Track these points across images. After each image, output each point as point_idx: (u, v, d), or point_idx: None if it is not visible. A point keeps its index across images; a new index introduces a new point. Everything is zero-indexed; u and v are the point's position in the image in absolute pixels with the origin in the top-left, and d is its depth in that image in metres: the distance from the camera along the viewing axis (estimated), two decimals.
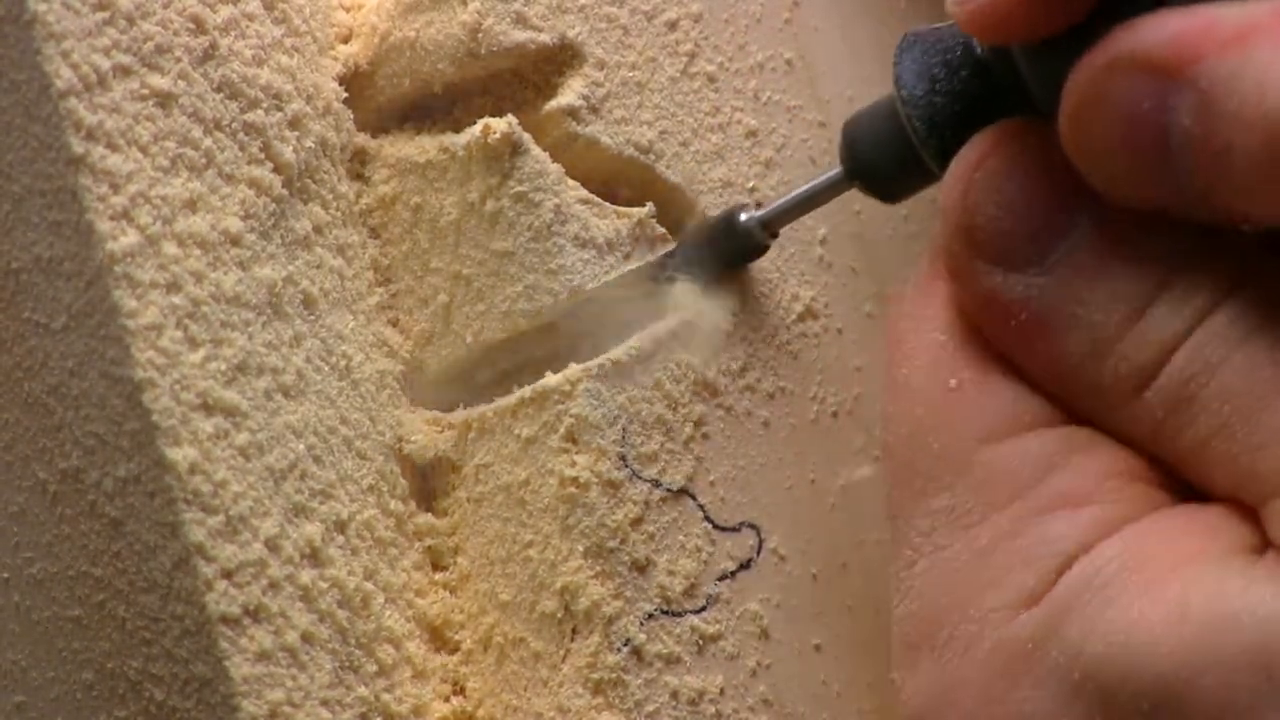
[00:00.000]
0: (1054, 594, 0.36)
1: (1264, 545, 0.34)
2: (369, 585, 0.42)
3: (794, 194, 0.45)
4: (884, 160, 0.43)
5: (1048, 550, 0.36)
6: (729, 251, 0.46)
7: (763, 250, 0.46)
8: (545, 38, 0.45)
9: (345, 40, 0.47)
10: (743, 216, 0.46)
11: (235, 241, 0.42)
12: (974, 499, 0.38)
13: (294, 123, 0.44)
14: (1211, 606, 0.33)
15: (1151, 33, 0.34)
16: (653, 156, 0.47)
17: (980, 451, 0.38)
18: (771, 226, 0.46)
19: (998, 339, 0.39)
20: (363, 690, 0.41)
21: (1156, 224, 0.36)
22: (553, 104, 0.45)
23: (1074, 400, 0.38)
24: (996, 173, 0.38)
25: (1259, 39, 0.32)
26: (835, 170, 0.44)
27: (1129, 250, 0.36)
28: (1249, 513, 0.35)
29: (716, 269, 0.46)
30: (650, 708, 0.43)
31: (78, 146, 0.39)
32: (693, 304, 0.46)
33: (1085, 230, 0.37)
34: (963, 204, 0.39)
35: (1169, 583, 0.34)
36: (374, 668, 0.42)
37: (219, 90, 0.43)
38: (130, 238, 0.39)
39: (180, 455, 0.39)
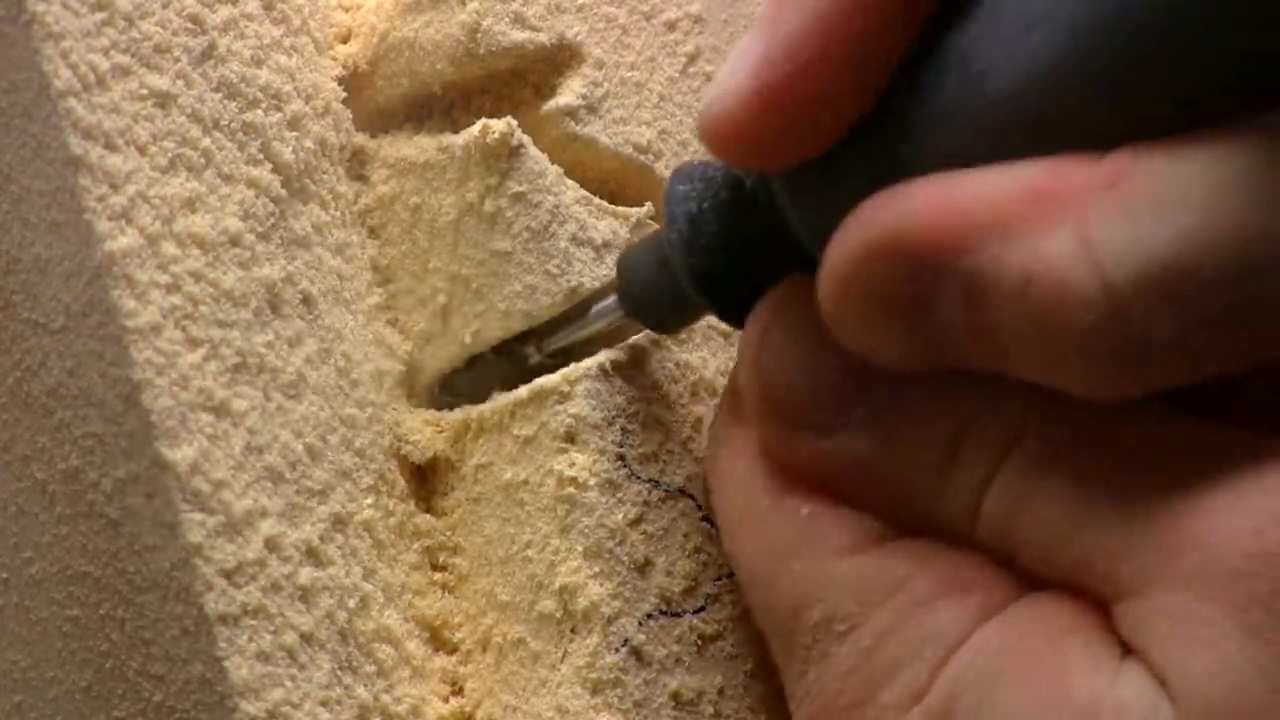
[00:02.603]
0: (939, 685, 0.36)
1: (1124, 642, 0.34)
2: (368, 585, 0.42)
3: (574, 330, 0.44)
4: (656, 298, 0.41)
5: (932, 641, 0.36)
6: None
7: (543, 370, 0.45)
8: (544, 38, 0.45)
9: (344, 40, 0.47)
10: (529, 350, 0.45)
11: (234, 241, 0.42)
12: (850, 604, 0.37)
13: (293, 123, 0.44)
14: (1087, 703, 0.33)
15: (905, 214, 0.33)
16: (652, 156, 0.47)
17: (846, 562, 0.38)
18: (550, 348, 0.45)
19: (826, 487, 0.38)
20: (362, 690, 0.41)
21: (947, 377, 0.36)
22: (552, 104, 0.46)
23: (916, 529, 0.38)
24: (784, 341, 0.38)
25: (1018, 225, 0.32)
26: (611, 302, 0.43)
27: (927, 405, 0.36)
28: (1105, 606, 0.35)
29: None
30: (649, 708, 0.43)
31: (77, 147, 0.39)
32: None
33: (882, 390, 0.37)
34: (758, 374, 0.39)
35: (1046, 674, 0.34)
36: (373, 668, 0.42)
37: (218, 90, 0.43)
38: (129, 238, 0.40)
39: (179, 455, 0.39)
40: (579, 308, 0.44)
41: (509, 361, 0.45)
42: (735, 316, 0.40)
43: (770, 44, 0.35)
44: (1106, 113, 0.32)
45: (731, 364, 0.47)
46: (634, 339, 0.44)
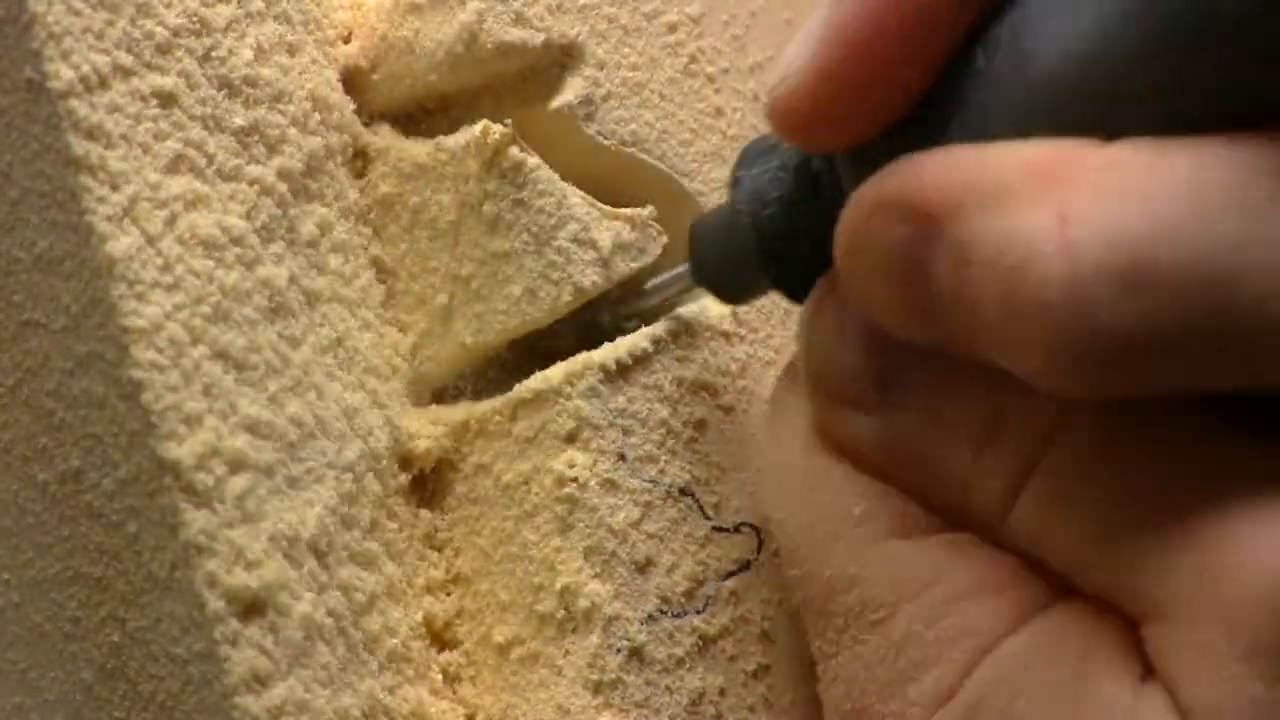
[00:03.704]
0: (967, 687, 0.36)
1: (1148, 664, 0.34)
2: (369, 585, 0.42)
3: (649, 293, 0.45)
4: (725, 270, 0.42)
5: (963, 641, 0.36)
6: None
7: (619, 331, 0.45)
8: (545, 38, 0.45)
9: (345, 40, 0.47)
10: (605, 317, 0.46)
11: (236, 241, 0.42)
12: (885, 592, 0.37)
13: (296, 122, 0.44)
14: None
15: (914, 176, 0.34)
16: (652, 157, 0.47)
17: (885, 547, 0.38)
18: (624, 314, 0.46)
19: (871, 467, 0.39)
20: (363, 690, 0.41)
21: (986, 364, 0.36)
22: (552, 104, 0.46)
23: (954, 519, 0.38)
24: (832, 318, 0.38)
25: (1009, 197, 0.32)
26: (683, 269, 0.44)
27: (965, 388, 0.36)
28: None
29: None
30: (650, 708, 0.43)
31: (78, 147, 0.39)
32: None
33: (923, 370, 0.37)
34: (806, 350, 0.39)
35: (1068, 689, 0.34)
36: (374, 667, 0.42)
37: (220, 90, 0.43)
38: (130, 238, 0.40)
39: (180, 455, 0.39)
40: (648, 274, 0.45)
41: (580, 328, 0.46)
42: (800, 294, 0.40)
43: (833, 25, 0.35)
44: (1144, 101, 0.32)
45: (732, 364, 0.47)
46: (634, 340, 0.44)
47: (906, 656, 0.37)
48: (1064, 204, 0.31)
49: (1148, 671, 0.34)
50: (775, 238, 0.40)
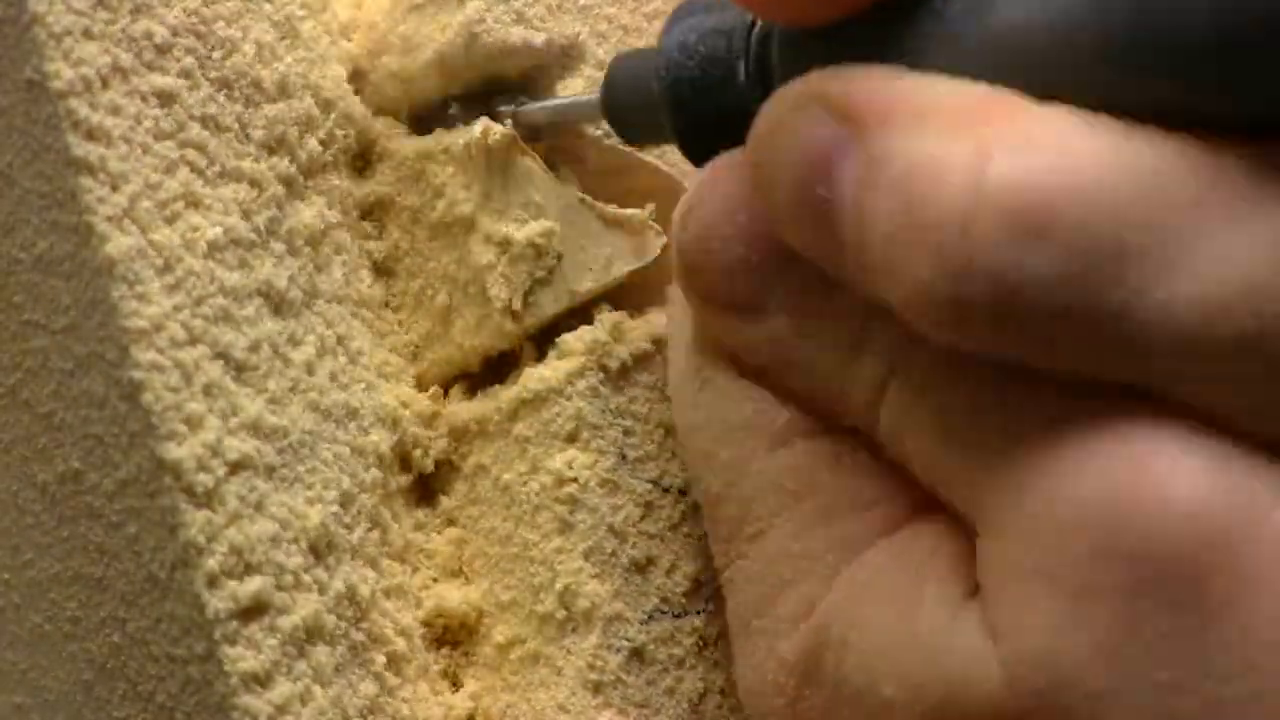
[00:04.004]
0: (819, 610, 0.36)
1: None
2: (369, 585, 0.42)
3: (550, 103, 0.45)
4: (631, 107, 0.42)
5: (825, 557, 0.36)
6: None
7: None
8: (545, 38, 0.45)
9: (346, 38, 0.47)
10: (504, 108, 0.45)
11: (236, 241, 0.42)
12: (760, 505, 0.37)
13: (296, 122, 0.44)
14: (927, 644, 0.33)
15: (849, 81, 0.34)
16: (653, 157, 0.47)
17: (763, 458, 0.38)
18: (518, 124, 0.45)
19: (749, 370, 0.39)
20: (363, 690, 0.41)
21: None
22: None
23: (834, 425, 0.38)
24: (721, 201, 0.38)
25: (935, 124, 0.32)
26: (594, 96, 0.44)
27: (841, 294, 0.36)
28: None
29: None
30: (650, 708, 0.43)
31: (78, 147, 0.39)
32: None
33: (801, 275, 0.37)
34: (688, 243, 0.39)
35: (899, 608, 0.34)
36: (374, 667, 0.42)
37: (220, 89, 0.43)
38: (130, 238, 0.40)
39: (180, 455, 0.39)
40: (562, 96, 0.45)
41: (480, 109, 0.46)
42: (696, 156, 0.40)
43: None
44: (1094, 75, 0.32)
45: None
46: (634, 342, 0.44)
47: (776, 573, 0.37)
48: (983, 141, 0.31)
49: (974, 590, 0.34)
50: (688, 90, 0.39)
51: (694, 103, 0.39)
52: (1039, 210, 0.30)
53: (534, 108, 0.45)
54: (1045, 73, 0.32)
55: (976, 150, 0.31)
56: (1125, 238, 0.30)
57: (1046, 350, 0.32)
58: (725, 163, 0.38)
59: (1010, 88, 0.32)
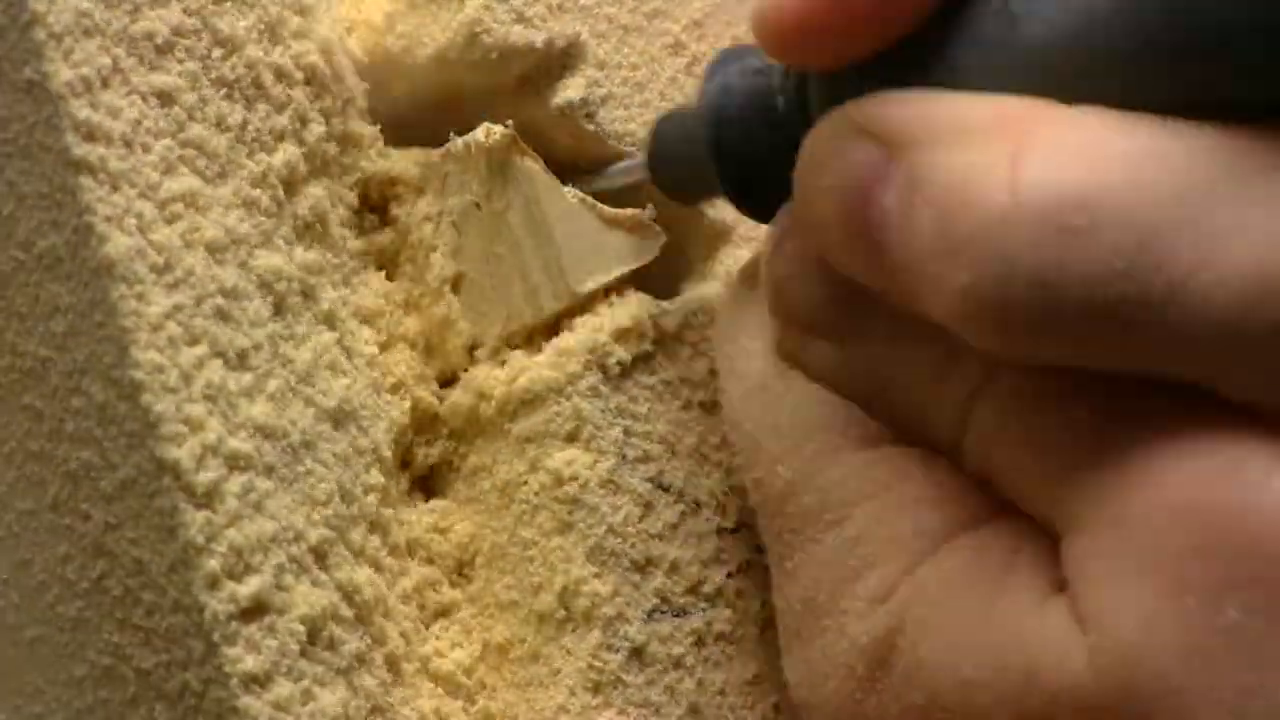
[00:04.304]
0: (899, 593, 0.36)
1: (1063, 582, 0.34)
2: (370, 585, 0.42)
3: (599, 181, 0.45)
4: (679, 165, 0.43)
5: (905, 544, 0.37)
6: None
7: None
8: (545, 37, 0.45)
9: (347, 37, 0.47)
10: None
11: (236, 239, 0.42)
12: (842, 495, 0.38)
13: (296, 119, 0.44)
14: (1009, 633, 0.34)
15: (885, 106, 0.35)
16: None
17: (846, 455, 0.38)
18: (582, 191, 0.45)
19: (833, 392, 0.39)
20: (363, 690, 0.41)
21: None
22: (553, 104, 0.46)
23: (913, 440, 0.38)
24: (800, 247, 0.39)
25: (969, 137, 0.33)
26: (641, 159, 0.44)
27: (920, 319, 0.36)
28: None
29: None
30: (651, 708, 0.43)
31: (78, 147, 0.39)
32: None
33: (878, 303, 0.37)
34: (772, 276, 0.39)
35: (980, 599, 0.35)
36: (374, 667, 0.42)
37: (221, 88, 0.43)
38: (130, 238, 0.40)
39: (180, 455, 0.39)
40: (608, 161, 0.45)
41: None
42: (750, 205, 0.41)
43: None
44: (1124, 80, 0.32)
45: None
46: (633, 342, 0.44)
47: (857, 554, 0.37)
48: (1019, 148, 0.32)
49: (1062, 586, 0.34)
50: (733, 137, 0.40)
51: (739, 144, 0.40)
52: (1075, 209, 0.31)
53: (589, 185, 0.45)
54: (1076, 77, 0.33)
55: (1010, 156, 0.32)
56: (1162, 230, 0.31)
57: (1092, 350, 0.32)
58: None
59: (1043, 97, 0.33)
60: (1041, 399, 0.34)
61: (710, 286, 0.47)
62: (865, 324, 0.38)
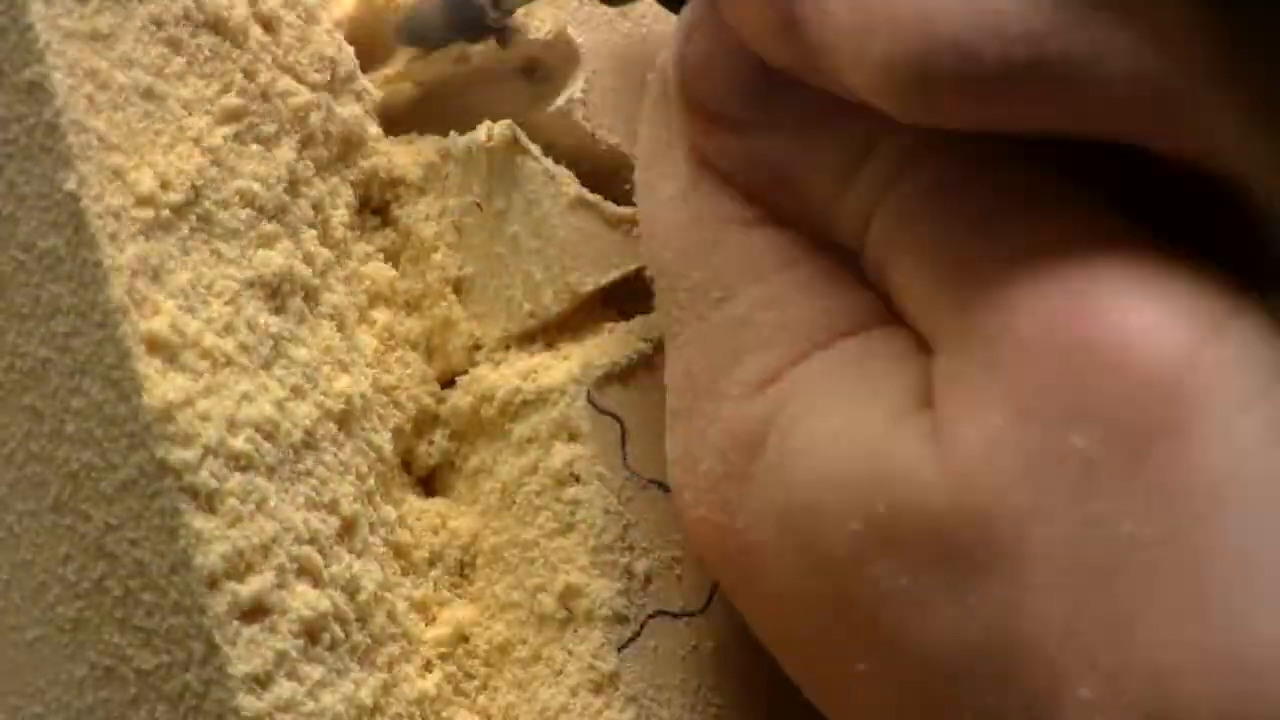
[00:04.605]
0: (778, 384, 0.36)
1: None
2: (371, 585, 0.42)
3: None
4: None
5: (794, 331, 0.36)
6: (459, 25, 0.45)
7: (497, 31, 0.44)
8: (544, 38, 0.45)
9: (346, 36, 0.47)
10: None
11: (238, 236, 0.42)
12: (733, 273, 0.37)
13: (298, 117, 0.44)
14: (871, 442, 0.34)
15: None
16: None
17: (742, 232, 0.38)
18: (503, 4, 0.45)
19: (742, 190, 0.38)
20: (364, 690, 0.41)
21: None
22: (553, 104, 0.46)
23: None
24: (711, 27, 0.38)
25: None
26: None
27: (840, 115, 0.36)
28: None
29: (444, 41, 0.44)
30: (651, 708, 0.43)
31: (78, 148, 0.39)
32: None
33: (800, 94, 0.37)
34: (682, 61, 0.39)
35: (851, 406, 0.35)
36: (375, 666, 0.42)
37: (223, 86, 0.43)
38: (131, 238, 0.40)
39: (180, 456, 0.39)
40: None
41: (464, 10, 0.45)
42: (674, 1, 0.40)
43: None
44: None
45: None
46: (635, 345, 0.45)
47: (739, 337, 0.37)
48: None
49: (926, 403, 0.34)
50: None
51: None
52: None
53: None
54: None
55: None
56: None
57: (1013, 112, 0.32)
58: None
59: None
60: (934, 214, 0.34)
61: None
62: (775, 116, 0.37)
